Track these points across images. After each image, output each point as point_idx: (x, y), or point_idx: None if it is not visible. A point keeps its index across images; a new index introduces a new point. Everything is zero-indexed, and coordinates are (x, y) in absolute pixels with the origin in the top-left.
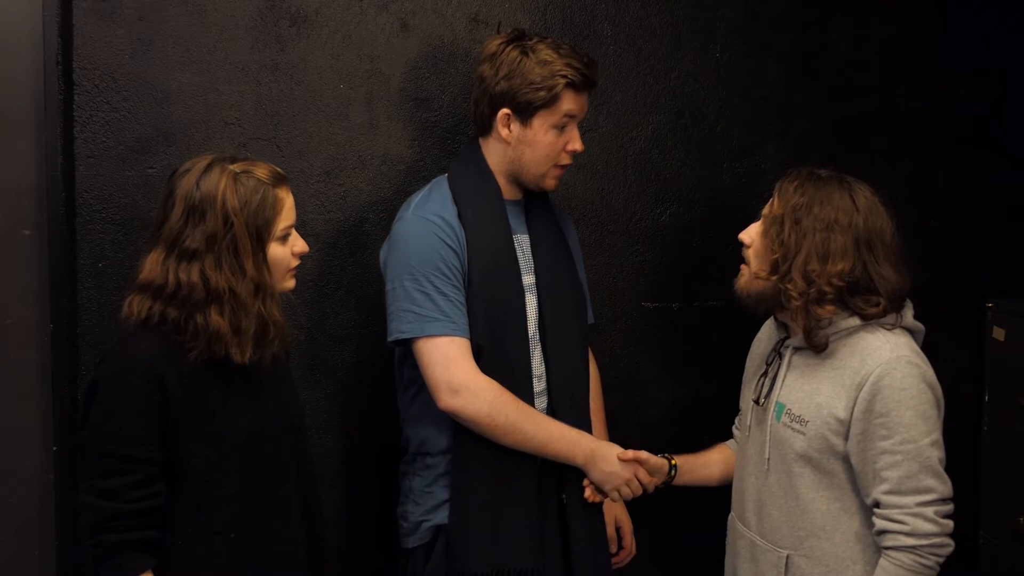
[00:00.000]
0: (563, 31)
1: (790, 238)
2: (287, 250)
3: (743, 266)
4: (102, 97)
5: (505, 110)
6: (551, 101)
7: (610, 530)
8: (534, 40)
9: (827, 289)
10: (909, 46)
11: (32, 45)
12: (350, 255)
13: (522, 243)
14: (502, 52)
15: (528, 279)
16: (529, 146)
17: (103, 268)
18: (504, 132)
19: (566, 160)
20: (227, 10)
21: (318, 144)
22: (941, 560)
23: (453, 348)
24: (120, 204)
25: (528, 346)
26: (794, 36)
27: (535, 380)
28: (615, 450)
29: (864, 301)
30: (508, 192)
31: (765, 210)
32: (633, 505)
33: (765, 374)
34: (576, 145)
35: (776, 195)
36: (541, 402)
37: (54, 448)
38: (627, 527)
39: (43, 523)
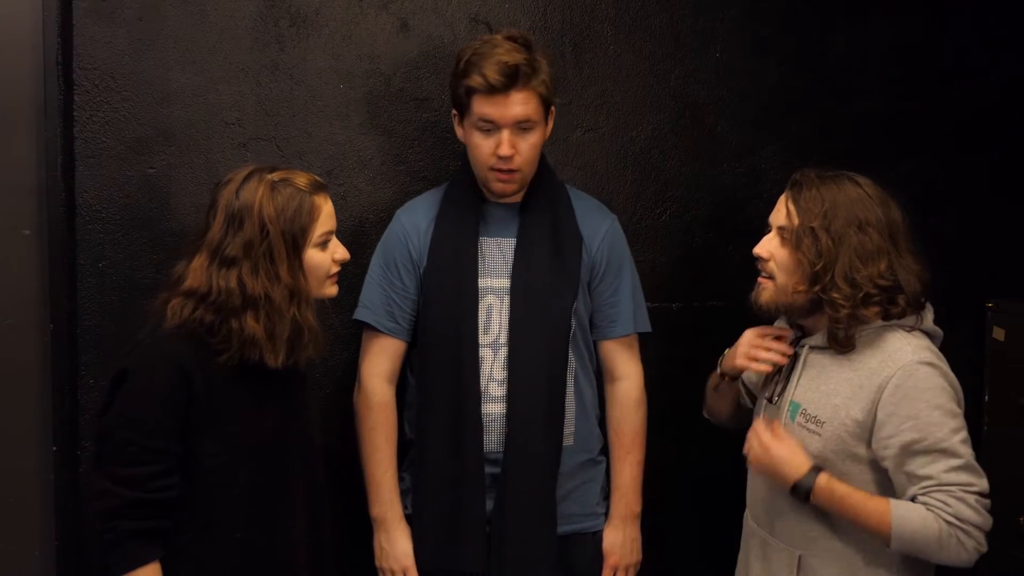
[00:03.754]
0: (563, 31)
1: (827, 246)
2: (327, 256)
3: (762, 279)
4: (102, 97)
5: (454, 111)
6: (463, 106)
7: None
8: (485, 39)
9: (872, 291)
10: (909, 46)
11: (32, 45)
12: (350, 255)
13: (504, 246)
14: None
15: (500, 282)
16: (471, 148)
17: (103, 268)
18: (459, 133)
19: (497, 164)
20: (227, 10)
21: (318, 144)
22: (976, 553)
23: (373, 343)
24: (120, 204)
25: (476, 349)
26: (794, 36)
27: (495, 384)
28: (403, 542)
29: (890, 300)
30: (491, 193)
31: (782, 222)
32: (644, 494)
33: (779, 372)
34: (503, 150)
35: (789, 204)
36: (499, 407)
37: (54, 448)
38: (609, 559)
39: (43, 523)
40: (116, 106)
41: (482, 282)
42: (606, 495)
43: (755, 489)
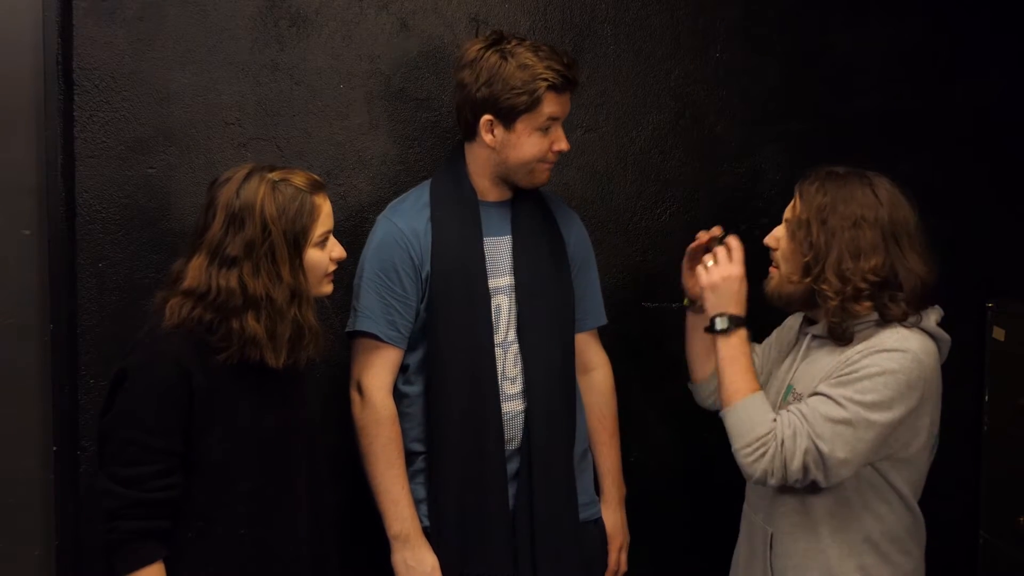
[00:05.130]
0: (563, 31)
1: (819, 239)
2: (325, 255)
3: (772, 269)
4: (102, 97)
5: (487, 116)
6: (533, 105)
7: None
8: (513, 43)
9: (862, 286)
10: (909, 46)
11: (32, 45)
12: (350, 255)
13: (501, 245)
14: (481, 57)
15: (505, 280)
16: (514, 149)
17: (103, 268)
18: (488, 138)
19: (552, 158)
20: (227, 10)
21: (318, 144)
22: (763, 476)
23: (374, 354)
24: (120, 204)
25: (493, 349)
26: (794, 36)
27: (508, 382)
28: (430, 557)
29: (890, 298)
30: (493, 194)
31: (787, 213)
32: (642, 492)
33: (783, 360)
34: (562, 145)
35: (797, 197)
36: (517, 405)
37: (54, 448)
38: (615, 542)
39: (43, 523)
40: (116, 106)
41: (490, 282)
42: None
43: None
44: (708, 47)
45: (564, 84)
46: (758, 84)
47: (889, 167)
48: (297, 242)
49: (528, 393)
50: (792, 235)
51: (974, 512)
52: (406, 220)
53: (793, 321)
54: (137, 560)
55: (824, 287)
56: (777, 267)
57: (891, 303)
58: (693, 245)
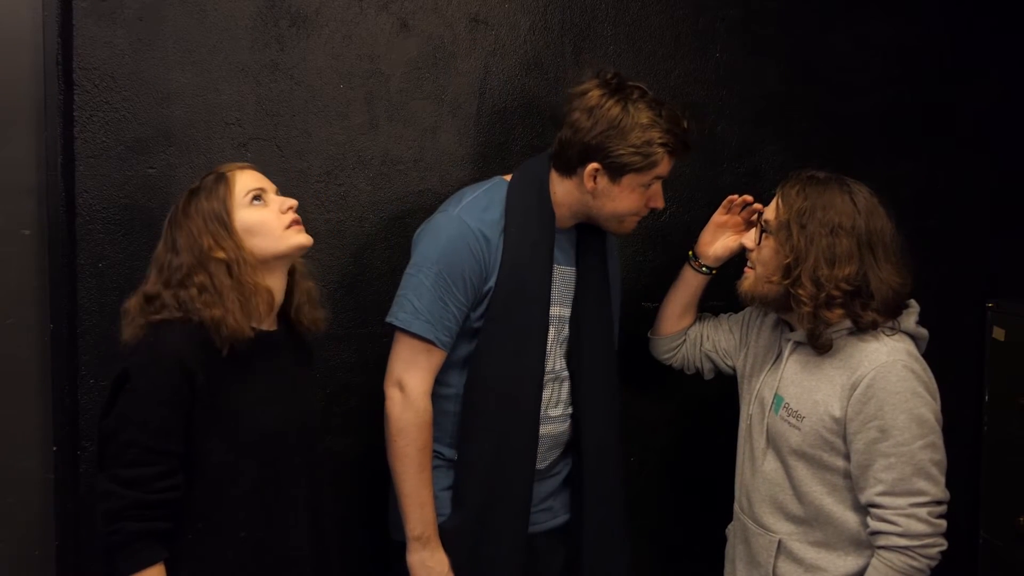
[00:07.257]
0: (563, 31)
1: (799, 242)
2: (269, 211)
3: (747, 269)
4: (102, 97)
5: (595, 164)
6: (648, 167)
7: None
8: (635, 95)
9: (835, 293)
10: (909, 46)
11: (32, 45)
12: (350, 255)
13: (566, 275)
14: (602, 105)
15: (564, 311)
16: (612, 200)
17: (103, 268)
18: (589, 184)
19: (645, 212)
20: (227, 10)
21: (318, 144)
22: (933, 562)
23: (424, 356)
24: (120, 204)
25: (541, 381)
26: (794, 36)
27: (557, 406)
28: (447, 559)
29: (862, 306)
30: (567, 223)
31: (768, 214)
32: (642, 492)
33: (763, 361)
34: (658, 203)
35: (779, 199)
36: (554, 427)
37: (54, 448)
38: None
39: (43, 523)
40: (116, 106)
41: (551, 310)
42: None
43: (740, 475)
44: (708, 47)
45: (682, 150)
46: (758, 84)
47: (889, 167)
48: (221, 219)
49: (582, 425)
50: (775, 235)
51: (974, 512)
52: (481, 227)
53: (762, 320)
54: (139, 561)
55: (800, 292)
56: (752, 268)
57: (863, 312)
58: (723, 216)
